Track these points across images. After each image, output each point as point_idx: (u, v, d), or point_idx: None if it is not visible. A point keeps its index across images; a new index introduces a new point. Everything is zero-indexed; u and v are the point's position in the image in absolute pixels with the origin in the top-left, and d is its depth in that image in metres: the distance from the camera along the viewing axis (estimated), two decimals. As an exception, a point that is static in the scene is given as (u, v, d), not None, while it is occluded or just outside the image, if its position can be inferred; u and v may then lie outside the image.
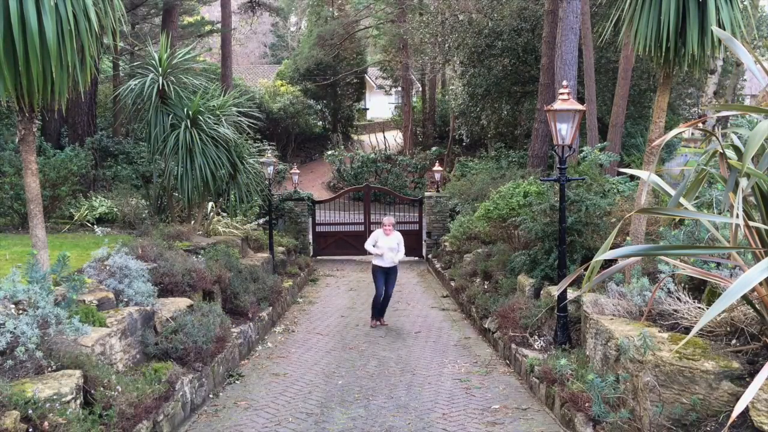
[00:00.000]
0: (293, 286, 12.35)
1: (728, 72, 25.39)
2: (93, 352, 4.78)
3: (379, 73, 37.93)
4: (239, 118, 10.92)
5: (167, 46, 10.23)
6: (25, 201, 6.35)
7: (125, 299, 5.99)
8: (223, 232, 11.53)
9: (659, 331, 4.60)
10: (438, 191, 18.70)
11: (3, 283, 4.63)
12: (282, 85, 33.23)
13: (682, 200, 4.17)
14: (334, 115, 34.83)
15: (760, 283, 3.61)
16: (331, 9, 35.06)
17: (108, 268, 6.39)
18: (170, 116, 10.04)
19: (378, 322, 9.80)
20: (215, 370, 6.72)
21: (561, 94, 6.75)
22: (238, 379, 7.04)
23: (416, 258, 18.35)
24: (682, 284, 5.11)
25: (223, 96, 10.91)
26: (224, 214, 12.81)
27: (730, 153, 3.99)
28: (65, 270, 5.45)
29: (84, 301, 5.43)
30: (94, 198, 11.79)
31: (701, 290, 5.13)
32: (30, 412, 3.67)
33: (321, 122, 34.45)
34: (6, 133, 13.88)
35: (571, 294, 6.50)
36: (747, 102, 28.89)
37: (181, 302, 6.80)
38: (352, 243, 18.00)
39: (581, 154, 9.70)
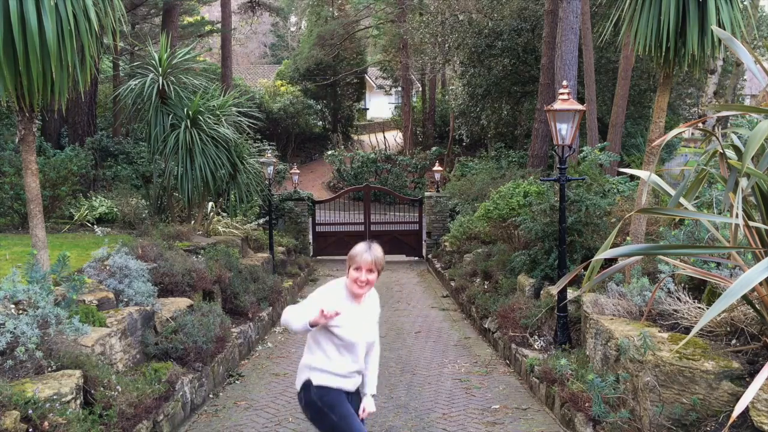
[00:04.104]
0: (293, 286, 12.35)
1: (728, 72, 25.36)
2: (93, 352, 4.78)
3: (379, 73, 37.92)
4: (239, 118, 10.91)
5: (167, 46, 10.22)
6: (25, 201, 6.35)
7: (125, 299, 5.99)
8: (223, 232, 11.53)
9: (659, 331, 4.60)
10: (438, 191, 18.70)
11: (3, 283, 4.63)
12: (282, 85, 33.24)
13: (682, 200, 4.17)
14: (334, 115, 34.84)
15: (760, 283, 3.60)
16: (331, 9, 35.05)
17: (108, 268, 6.39)
18: (170, 116, 10.04)
19: None
20: (215, 370, 6.72)
21: (561, 94, 6.74)
22: (238, 379, 7.04)
23: (416, 258, 18.35)
24: (682, 284, 5.11)
25: (223, 96, 10.91)
26: (224, 214, 12.81)
27: (730, 153, 3.99)
28: (65, 270, 5.45)
29: (84, 301, 5.43)
30: (94, 198, 11.79)
31: (701, 290, 5.13)
32: (30, 412, 3.67)
33: (321, 122, 34.46)
34: (6, 133, 13.87)
35: (571, 294, 6.50)
36: (747, 102, 28.88)
37: (181, 302, 6.80)
38: (352, 243, 17.96)
39: (581, 154, 9.70)
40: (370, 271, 3.51)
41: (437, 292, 13.19)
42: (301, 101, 31.60)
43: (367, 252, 3.53)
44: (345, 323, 3.45)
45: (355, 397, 3.71)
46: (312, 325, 3.27)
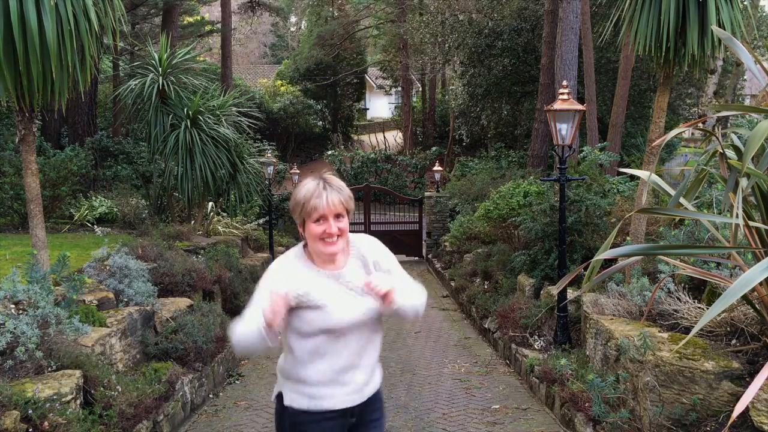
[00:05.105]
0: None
1: (728, 72, 25.37)
2: (93, 352, 4.78)
3: (379, 73, 37.94)
4: (239, 118, 10.92)
5: (167, 46, 10.23)
6: (25, 201, 6.35)
7: (125, 299, 5.99)
8: (223, 232, 11.53)
9: (659, 331, 4.60)
10: (438, 191, 18.70)
11: (3, 283, 4.63)
12: (282, 85, 33.25)
13: (682, 200, 4.16)
14: (334, 115, 34.84)
15: (760, 283, 3.60)
16: (331, 9, 35.08)
17: (108, 268, 6.39)
18: (170, 116, 10.04)
19: None
20: (215, 370, 6.72)
21: (561, 94, 6.74)
22: (238, 379, 7.04)
23: (416, 258, 18.35)
24: (682, 284, 5.11)
25: (223, 96, 10.91)
26: (224, 214, 12.82)
27: (730, 153, 3.98)
28: (65, 270, 5.45)
29: (84, 301, 5.43)
30: (94, 198, 11.79)
31: (701, 290, 5.13)
32: (30, 412, 3.67)
33: (321, 122, 34.46)
34: (6, 133, 13.87)
35: (571, 294, 6.49)
36: (747, 102, 28.87)
37: (181, 302, 6.80)
38: (352, 243, 18.02)
39: (581, 154, 9.70)
40: (338, 216, 2.31)
41: (437, 292, 13.19)
42: (301, 101, 31.60)
43: (326, 191, 2.28)
44: (323, 299, 2.33)
45: (365, 419, 2.48)
46: (269, 329, 2.17)
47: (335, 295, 2.36)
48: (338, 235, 2.32)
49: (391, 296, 2.28)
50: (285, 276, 2.34)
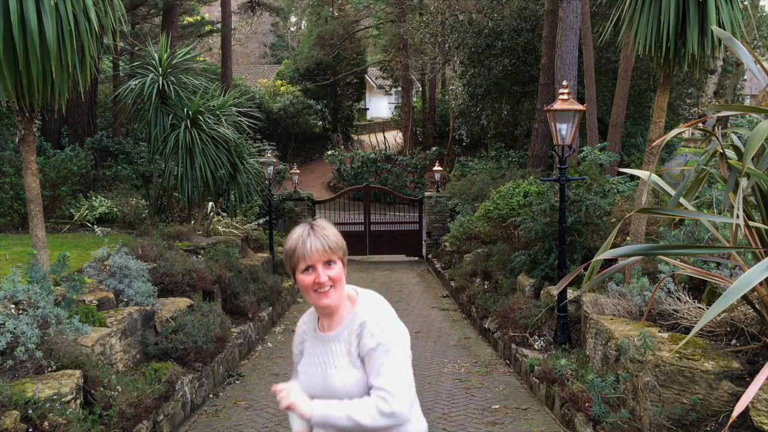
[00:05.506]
0: (293, 285, 12.36)
1: (728, 72, 25.37)
2: (93, 352, 4.78)
3: (379, 73, 37.93)
4: (239, 118, 10.92)
5: (167, 46, 10.23)
6: (25, 201, 6.35)
7: (125, 299, 5.99)
8: (223, 232, 11.53)
9: (659, 331, 4.60)
10: (438, 191, 18.70)
11: (3, 283, 4.63)
12: (282, 85, 33.23)
13: (682, 200, 4.16)
14: (334, 115, 34.83)
15: (760, 283, 3.60)
16: (331, 9, 35.07)
17: (108, 268, 6.39)
18: (170, 116, 10.04)
19: None
20: (215, 370, 6.72)
21: (561, 94, 6.74)
22: (238, 379, 7.04)
23: (416, 258, 18.35)
24: (682, 284, 5.11)
25: (223, 96, 10.91)
26: (224, 214, 12.81)
27: (730, 153, 3.99)
28: (65, 270, 5.45)
29: (84, 301, 5.43)
30: (94, 198, 11.78)
31: (701, 290, 5.12)
32: (30, 412, 3.68)
33: (321, 122, 34.45)
34: (6, 133, 13.87)
35: (571, 294, 6.49)
36: (747, 102, 28.85)
37: (181, 302, 6.80)
38: (351, 243, 17.94)
39: (581, 154, 9.69)
40: (328, 263, 2.14)
41: (437, 292, 13.18)
42: (301, 101, 31.59)
43: (310, 237, 2.13)
44: (299, 365, 2.32)
45: None
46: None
47: (308, 363, 2.25)
48: (330, 285, 2.14)
49: (295, 410, 2.10)
50: (298, 337, 2.39)
